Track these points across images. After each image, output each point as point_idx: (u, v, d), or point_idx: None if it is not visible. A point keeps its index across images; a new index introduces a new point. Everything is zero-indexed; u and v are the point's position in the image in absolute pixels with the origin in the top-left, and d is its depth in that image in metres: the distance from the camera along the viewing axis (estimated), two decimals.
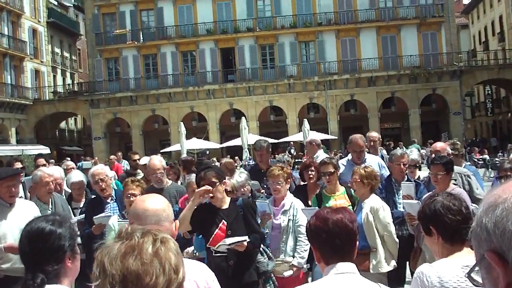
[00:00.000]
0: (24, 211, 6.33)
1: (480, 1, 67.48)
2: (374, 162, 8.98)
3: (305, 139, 35.21)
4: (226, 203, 5.95)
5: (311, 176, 8.23)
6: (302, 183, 8.89)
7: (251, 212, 6.12)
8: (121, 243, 1.89)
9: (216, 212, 5.88)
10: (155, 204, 3.24)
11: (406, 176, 8.16)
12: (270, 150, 10.09)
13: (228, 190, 7.10)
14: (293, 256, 7.23)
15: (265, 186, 8.64)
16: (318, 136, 43.64)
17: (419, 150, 20.53)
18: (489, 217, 1.36)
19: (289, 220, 7.35)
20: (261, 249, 6.38)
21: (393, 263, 6.95)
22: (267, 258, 6.42)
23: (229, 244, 5.59)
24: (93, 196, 8.88)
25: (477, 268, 1.42)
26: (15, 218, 6.19)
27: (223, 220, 5.81)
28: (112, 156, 24.00)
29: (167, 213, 3.23)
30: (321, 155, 10.85)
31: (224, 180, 6.00)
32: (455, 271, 3.29)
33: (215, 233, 5.74)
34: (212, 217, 5.85)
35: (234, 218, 5.88)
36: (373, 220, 6.86)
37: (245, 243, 5.66)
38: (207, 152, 27.21)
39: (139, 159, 12.67)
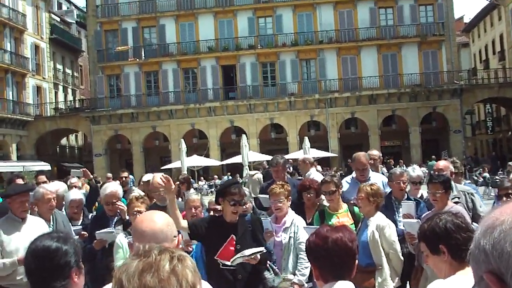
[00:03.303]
0: (35, 226, 6.47)
1: (481, 20, 67.74)
2: (378, 180, 8.94)
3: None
4: (236, 218, 6.01)
5: (309, 197, 8.23)
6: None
7: (259, 228, 6.18)
8: (139, 260, 1.92)
9: (226, 226, 5.93)
10: (155, 221, 3.24)
11: (406, 194, 8.17)
12: (287, 166, 10.00)
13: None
14: (294, 274, 7.19)
15: None
16: (318, 154, 43.85)
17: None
18: (487, 239, 1.39)
19: (290, 237, 7.33)
20: (267, 265, 6.40)
21: (398, 280, 6.96)
22: (273, 274, 6.43)
23: (248, 256, 5.59)
24: (91, 215, 8.91)
25: None
26: (27, 232, 6.30)
27: (232, 235, 5.85)
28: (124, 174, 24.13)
29: (169, 230, 3.23)
30: (313, 173, 10.94)
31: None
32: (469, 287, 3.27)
33: (224, 246, 5.76)
34: (221, 230, 5.90)
35: (243, 233, 5.93)
36: (379, 238, 6.87)
37: (258, 255, 5.68)
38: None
39: (127, 177, 12.71)
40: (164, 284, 1.85)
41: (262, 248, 5.71)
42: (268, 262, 6.44)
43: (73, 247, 3.22)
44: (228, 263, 5.74)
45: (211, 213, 7.07)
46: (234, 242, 5.85)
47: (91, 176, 12.40)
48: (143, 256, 1.93)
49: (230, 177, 40.71)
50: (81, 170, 13.14)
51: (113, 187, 8.54)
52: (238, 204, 5.92)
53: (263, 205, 8.69)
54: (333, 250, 3.21)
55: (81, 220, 8.82)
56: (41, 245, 3.20)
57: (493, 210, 1.47)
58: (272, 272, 6.43)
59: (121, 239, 6.49)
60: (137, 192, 10.04)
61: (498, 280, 1.36)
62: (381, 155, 10.71)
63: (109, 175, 13.46)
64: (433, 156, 41.10)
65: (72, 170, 15.24)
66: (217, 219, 6.12)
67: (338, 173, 32.51)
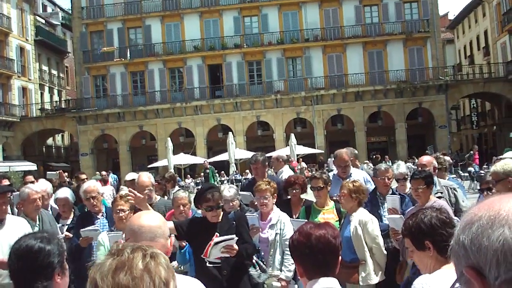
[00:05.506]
0: (14, 227, 6.29)
1: (465, 16, 67.99)
2: (360, 177, 9.02)
3: (292, 153, 35.35)
4: (219, 217, 6.07)
5: (295, 193, 8.27)
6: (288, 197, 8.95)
7: (243, 224, 6.24)
8: (112, 259, 1.93)
9: (210, 225, 6.00)
10: (150, 220, 3.27)
11: (391, 190, 8.23)
12: (267, 163, 10.05)
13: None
14: (281, 270, 7.22)
15: None
16: (305, 151, 43.94)
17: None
18: (466, 235, 1.43)
19: (276, 234, 7.35)
20: (254, 261, 6.43)
21: (382, 274, 7.02)
22: (259, 271, 6.46)
23: (218, 243, 5.65)
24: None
25: (457, 285, 1.48)
26: (5, 234, 6.15)
27: (216, 233, 5.90)
28: (104, 172, 24.15)
29: (163, 230, 3.25)
30: (285, 170, 11.06)
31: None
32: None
33: (208, 244, 5.80)
34: (205, 230, 5.97)
35: (227, 230, 5.99)
36: (362, 233, 6.92)
37: (235, 245, 5.72)
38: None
39: (86, 179, 12.73)
40: (137, 281, 1.86)
41: (233, 236, 5.75)
42: (255, 258, 6.48)
43: (57, 248, 3.21)
44: (212, 259, 5.80)
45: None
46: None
47: (65, 178, 12.40)
48: (116, 254, 1.95)
49: (217, 174, 40.89)
50: (57, 172, 13.18)
51: (90, 183, 8.60)
52: (214, 209, 6.01)
53: (243, 202, 8.73)
54: (316, 247, 3.21)
55: (70, 219, 8.80)
56: (24, 245, 3.21)
57: (472, 207, 1.51)
58: (258, 268, 6.47)
59: (103, 237, 6.55)
60: (125, 191, 10.04)
61: (477, 275, 1.39)
62: (349, 158, 10.56)
63: (83, 176, 13.43)
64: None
65: (48, 172, 15.28)
66: (202, 219, 6.19)
67: (314, 169, 32.69)
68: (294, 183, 8.32)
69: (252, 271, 6.38)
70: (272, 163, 11.90)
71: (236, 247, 5.75)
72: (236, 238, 5.77)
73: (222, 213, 6.21)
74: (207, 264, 5.88)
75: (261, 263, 6.64)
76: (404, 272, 6.83)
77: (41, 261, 3.12)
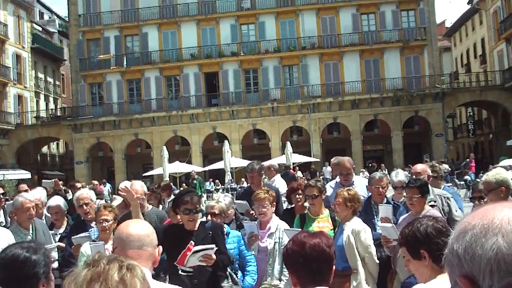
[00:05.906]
0: None
1: (462, 24, 68.21)
2: (362, 185, 9.01)
3: (288, 161, 35.33)
4: (196, 225, 6.01)
5: (299, 199, 8.24)
6: (289, 206, 8.91)
7: (218, 234, 6.18)
8: (87, 269, 1.90)
9: (186, 233, 5.96)
10: (138, 229, 3.30)
11: (386, 198, 8.20)
12: (263, 172, 10.04)
13: (216, 213, 7.15)
14: (280, 279, 7.16)
15: None
16: (301, 159, 43.92)
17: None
18: (460, 243, 1.44)
19: (275, 243, 7.31)
20: (227, 273, 6.38)
21: (374, 284, 6.98)
22: (231, 283, 6.40)
23: (197, 252, 5.60)
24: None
25: None
26: None
27: (191, 241, 5.86)
28: (95, 182, 24.12)
29: (151, 239, 3.27)
30: (277, 179, 11.09)
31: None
32: None
33: (182, 252, 5.78)
34: (181, 237, 5.94)
35: (202, 239, 5.93)
36: (354, 242, 6.89)
37: (213, 255, 5.66)
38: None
39: (82, 187, 12.71)
40: None
41: (213, 246, 5.70)
42: (229, 270, 6.42)
43: (43, 258, 3.18)
44: (185, 268, 5.77)
45: (209, 217, 7.07)
46: (192, 248, 5.86)
47: (61, 187, 12.36)
48: (92, 265, 1.92)
49: (212, 183, 40.88)
50: (53, 180, 13.13)
51: (82, 190, 8.56)
52: (191, 213, 5.94)
53: (238, 211, 8.71)
54: (310, 256, 3.20)
55: (64, 228, 8.71)
56: (10, 254, 3.17)
57: (466, 215, 1.51)
58: (230, 280, 6.41)
59: (85, 248, 6.50)
60: (118, 200, 9.97)
61: (471, 283, 1.39)
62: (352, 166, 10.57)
63: (79, 184, 13.45)
64: None
65: (43, 180, 15.23)
66: (178, 226, 6.16)
67: (305, 178, 32.66)
68: (297, 188, 8.31)
69: (223, 283, 6.33)
70: (265, 172, 11.92)
71: (214, 256, 5.70)
72: (216, 248, 5.72)
73: (199, 221, 6.15)
74: (180, 272, 5.84)
75: (234, 276, 6.57)
76: (394, 281, 6.81)
77: (26, 271, 3.09)
